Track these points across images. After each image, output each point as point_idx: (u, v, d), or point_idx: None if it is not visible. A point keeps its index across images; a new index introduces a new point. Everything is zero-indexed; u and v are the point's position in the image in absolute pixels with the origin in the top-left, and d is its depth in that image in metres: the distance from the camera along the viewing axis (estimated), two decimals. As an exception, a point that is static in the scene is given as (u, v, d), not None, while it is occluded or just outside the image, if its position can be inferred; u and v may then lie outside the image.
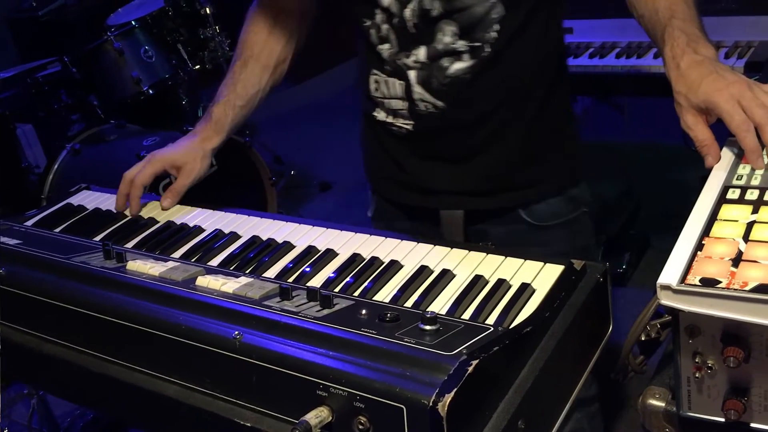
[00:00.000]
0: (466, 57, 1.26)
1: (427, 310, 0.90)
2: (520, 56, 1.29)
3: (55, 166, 2.82)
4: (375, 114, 1.38)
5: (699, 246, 0.83)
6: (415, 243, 1.12)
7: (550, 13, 1.31)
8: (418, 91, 1.30)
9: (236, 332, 0.89)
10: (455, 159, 1.36)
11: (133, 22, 3.12)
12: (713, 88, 1.00)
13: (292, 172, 3.98)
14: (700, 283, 0.77)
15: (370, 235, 1.17)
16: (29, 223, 1.38)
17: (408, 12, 1.25)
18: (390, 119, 1.36)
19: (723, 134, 1.04)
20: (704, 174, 0.99)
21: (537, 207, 1.39)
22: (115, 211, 1.39)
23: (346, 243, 1.15)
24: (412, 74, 1.29)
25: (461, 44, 1.25)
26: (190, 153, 1.42)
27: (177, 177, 1.41)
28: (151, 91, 3.09)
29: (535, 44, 1.30)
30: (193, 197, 1.41)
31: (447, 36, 1.25)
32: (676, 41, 1.08)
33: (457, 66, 1.27)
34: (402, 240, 1.13)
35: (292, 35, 1.47)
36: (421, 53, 1.27)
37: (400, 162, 1.42)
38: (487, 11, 1.23)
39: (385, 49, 1.31)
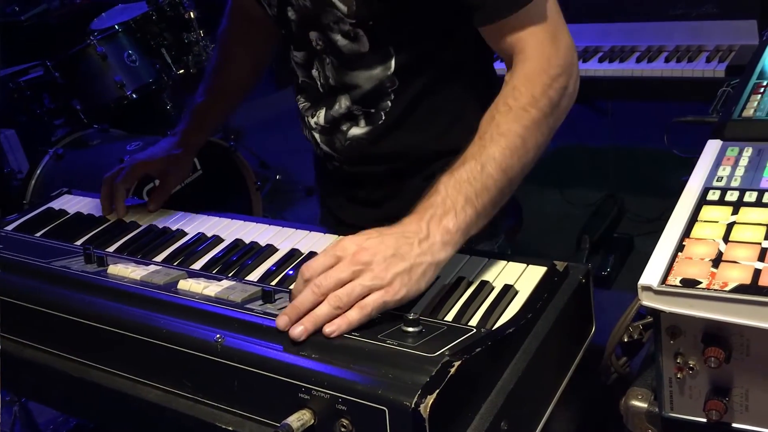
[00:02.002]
0: (362, 122, 1.23)
1: (410, 311, 0.90)
2: (420, 123, 1.22)
3: (38, 171, 2.80)
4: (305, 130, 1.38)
5: (680, 247, 0.83)
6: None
7: (462, 78, 1.21)
8: (324, 148, 1.29)
9: (218, 335, 0.88)
10: (366, 203, 1.34)
11: (116, 27, 3.11)
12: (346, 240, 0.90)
13: (278, 177, 3.96)
14: (680, 284, 0.77)
15: (354, 238, 1.16)
16: (10, 227, 1.37)
17: (315, 73, 1.24)
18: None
19: (703, 134, 1.05)
20: (686, 178, 1.00)
21: None
22: (96, 215, 1.38)
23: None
24: (317, 134, 1.29)
25: (356, 108, 1.22)
26: (173, 155, 1.43)
27: (161, 180, 1.41)
28: (134, 96, 3.08)
29: (438, 112, 1.22)
30: (177, 201, 1.40)
31: (342, 107, 1.23)
32: (435, 200, 0.93)
33: (354, 132, 1.24)
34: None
35: (263, 45, 1.48)
36: (321, 116, 1.26)
37: (326, 188, 1.44)
38: (380, 85, 1.19)
39: (301, 100, 1.30)
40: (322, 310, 0.86)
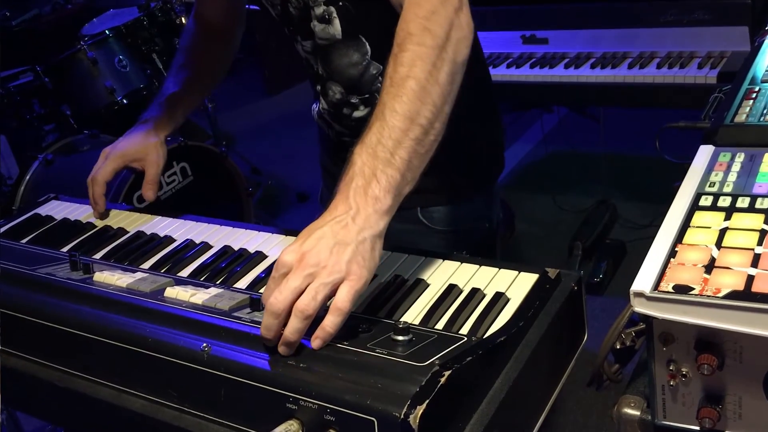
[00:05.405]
0: (361, 107, 1.33)
1: (400, 320, 0.89)
2: None
3: (27, 177, 2.77)
4: (314, 113, 1.46)
5: (672, 253, 0.83)
6: (389, 252, 1.10)
7: None
8: (336, 127, 1.39)
9: (204, 344, 0.87)
10: None
11: (107, 32, 3.09)
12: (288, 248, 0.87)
13: (269, 183, 3.96)
14: (673, 290, 0.76)
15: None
16: (-5, 234, 1.35)
17: (312, 60, 1.34)
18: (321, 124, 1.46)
19: (695, 140, 1.04)
20: (679, 183, 0.99)
21: (434, 211, 1.39)
22: (83, 222, 1.37)
23: (319, 253, 1.14)
24: (327, 116, 1.39)
25: (352, 97, 1.32)
26: (149, 144, 1.43)
27: (143, 170, 1.42)
28: (125, 101, 3.06)
29: None
30: (168, 207, 1.39)
31: (336, 94, 1.33)
32: (353, 172, 0.90)
33: (357, 114, 1.34)
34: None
35: (226, 42, 1.54)
36: (324, 102, 1.37)
37: (330, 156, 1.50)
38: (363, 72, 1.28)
39: (312, 76, 1.39)
40: (293, 325, 0.83)
